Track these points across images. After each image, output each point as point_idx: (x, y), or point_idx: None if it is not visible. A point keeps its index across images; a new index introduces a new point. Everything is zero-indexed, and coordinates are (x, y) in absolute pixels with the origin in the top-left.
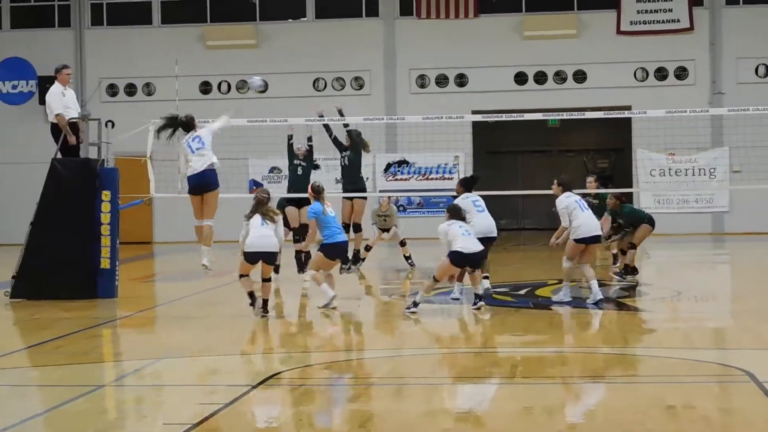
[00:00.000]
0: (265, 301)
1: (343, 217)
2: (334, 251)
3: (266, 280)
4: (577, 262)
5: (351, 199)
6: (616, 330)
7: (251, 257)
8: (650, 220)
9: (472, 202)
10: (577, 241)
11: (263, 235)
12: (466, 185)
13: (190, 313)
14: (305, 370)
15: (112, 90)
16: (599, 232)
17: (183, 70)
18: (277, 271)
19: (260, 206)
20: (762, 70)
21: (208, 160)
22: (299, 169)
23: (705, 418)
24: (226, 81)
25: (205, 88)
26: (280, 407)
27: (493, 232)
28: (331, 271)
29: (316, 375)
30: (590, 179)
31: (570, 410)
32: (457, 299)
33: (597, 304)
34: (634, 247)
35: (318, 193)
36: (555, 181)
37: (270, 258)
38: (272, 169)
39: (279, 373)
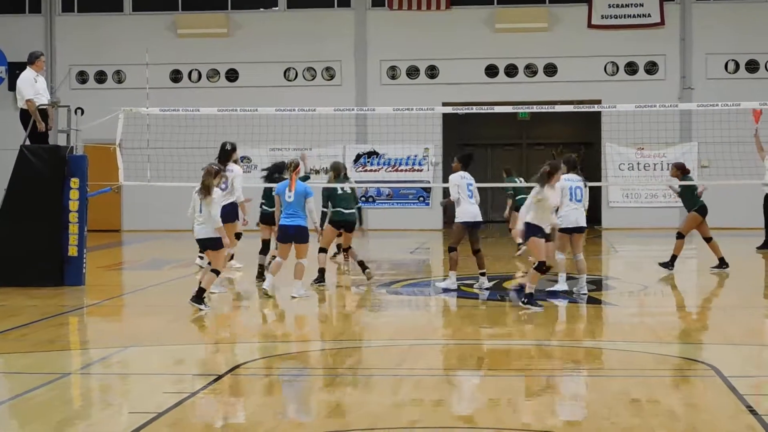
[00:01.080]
0: (200, 291)
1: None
2: (279, 234)
3: (212, 270)
4: (569, 253)
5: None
6: (582, 324)
7: (198, 244)
8: (701, 209)
9: (467, 184)
10: (559, 230)
11: (199, 222)
12: (464, 162)
13: (157, 302)
14: (272, 360)
15: (82, 77)
16: (581, 224)
17: (154, 58)
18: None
19: (203, 177)
20: (731, 66)
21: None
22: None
23: (669, 412)
24: (196, 70)
25: (176, 76)
26: (246, 397)
27: (478, 217)
28: (303, 261)
29: (283, 365)
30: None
31: (535, 403)
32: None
33: (581, 296)
34: (681, 236)
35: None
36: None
37: (210, 244)
38: (242, 158)
39: (246, 362)
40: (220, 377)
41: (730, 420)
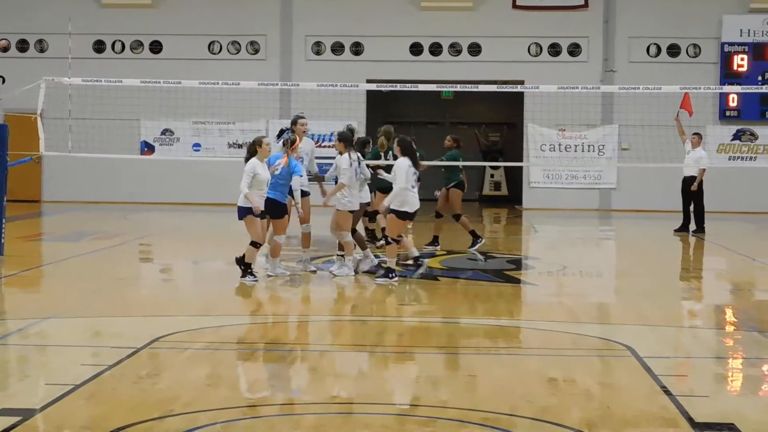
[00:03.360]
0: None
1: None
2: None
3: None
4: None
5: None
6: (501, 302)
7: None
8: (460, 184)
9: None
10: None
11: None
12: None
13: (77, 274)
14: (192, 334)
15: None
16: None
17: (77, 28)
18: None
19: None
20: (653, 50)
21: None
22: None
23: (585, 391)
24: (120, 40)
25: (99, 46)
26: (165, 370)
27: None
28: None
29: (203, 338)
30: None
31: (453, 381)
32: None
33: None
34: (458, 217)
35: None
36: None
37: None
38: (164, 131)
39: (165, 335)
40: (138, 350)
41: (644, 400)
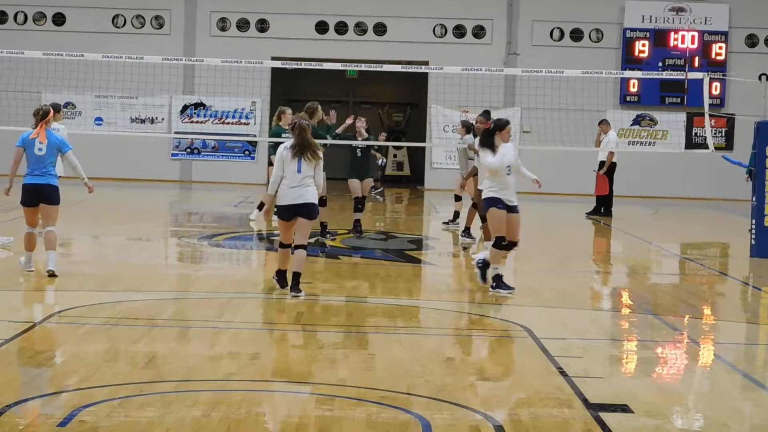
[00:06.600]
0: (297, 276)
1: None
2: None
3: (300, 246)
4: None
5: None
6: (400, 282)
7: (292, 210)
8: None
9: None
10: None
11: (298, 185)
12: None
13: None
14: (91, 309)
15: None
16: None
17: None
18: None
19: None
20: (557, 34)
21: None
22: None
23: (482, 371)
24: (22, 12)
25: (1, 17)
26: (62, 345)
27: None
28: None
29: (101, 314)
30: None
31: (351, 359)
32: None
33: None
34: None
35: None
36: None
37: (313, 210)
38: (67, 104)
39: (63, 311)
40: (35, 324)
41: (540, 380)
